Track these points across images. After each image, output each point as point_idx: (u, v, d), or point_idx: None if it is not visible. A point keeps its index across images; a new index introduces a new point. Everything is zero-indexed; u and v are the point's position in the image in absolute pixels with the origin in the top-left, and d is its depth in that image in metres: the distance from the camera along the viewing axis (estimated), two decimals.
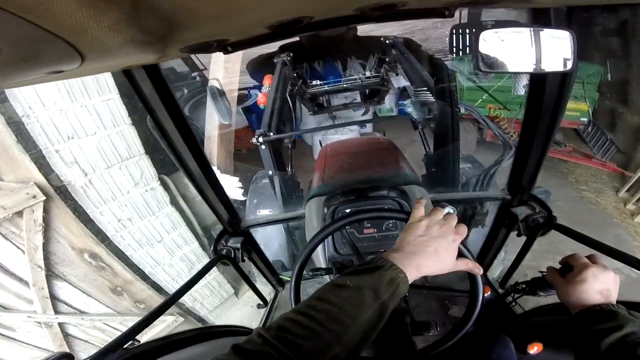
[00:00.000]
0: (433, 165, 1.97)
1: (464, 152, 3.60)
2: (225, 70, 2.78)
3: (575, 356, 0.62)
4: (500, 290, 1.30)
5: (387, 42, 2.32)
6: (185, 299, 2.78)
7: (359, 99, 3.25)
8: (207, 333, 1.04)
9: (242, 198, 2.42)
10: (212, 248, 1.25)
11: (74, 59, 0.34)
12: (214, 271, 2.84)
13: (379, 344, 0.99)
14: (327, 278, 1.15)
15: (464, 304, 0.76)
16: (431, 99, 1.72)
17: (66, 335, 2.26)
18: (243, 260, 1.29)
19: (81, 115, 1.90)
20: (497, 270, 1.86)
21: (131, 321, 0.87)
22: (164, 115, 0.85)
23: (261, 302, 1.61)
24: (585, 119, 4.55)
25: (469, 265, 0.67)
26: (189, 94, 3.86)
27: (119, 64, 0.60)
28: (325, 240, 1.17)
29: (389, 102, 3.28)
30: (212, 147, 2.83)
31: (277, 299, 1.70)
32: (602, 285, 0.65)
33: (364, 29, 2.77)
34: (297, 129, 2.75)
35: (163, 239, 2.48)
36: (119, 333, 0.82)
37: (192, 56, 4.40)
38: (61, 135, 1.86)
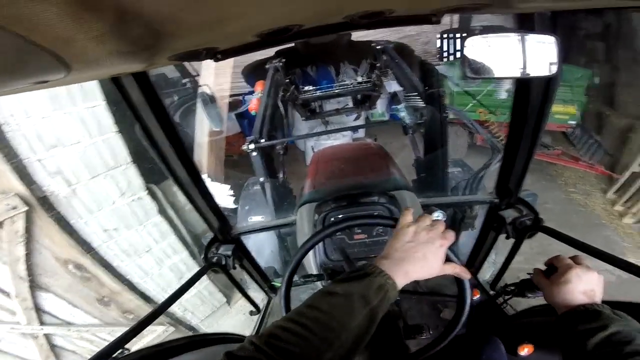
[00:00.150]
0: (423, 169, 1.99)
1: (455, 157, 3.64)
2: (216, 76, 2.77)
3: (563, 356, 0.63)
4: (491, 292, 1.31)
5: (378, 47, 2.36)
6: (175, 309, 2.73)
7: (351, 105, 3.28)
8: (199, 341, 1.02)
9: (234, 206, 2.40)
10: (202, 256, 1.23)
11: (59, 69, 0.33)
12: (205, 280, 2.79)
13: (373, 348, 0.98)
14: (318, 284, 1.15)
15: (455, 307, 0.77)
16: (421, 104, 1.75)
17: (53, 347, 2.21)
18: (234, 268, 1.27)
19: (65, 123, 1.85)
20: (488, 272, 1.88)
21: (119, 332, 0.85)
22: (152, 123, 0.84)
23: (254, 309, 1.59)
24: (573, 122, 4.62)
25: (457, 269, 0.68)
26: (179, 100, 3.83)
27: (107, 72, 0.60)
28: (317, 246, 1.16)
29: (380, 107, 3.31)
30: (203, 155, 2.81)
31: (269, 305, 1.68)
32: (586, 285, 0.66)
33: (362, 34, 2.80)
34: (289, 135, 2.76)
35: (151, 249, 2.43)
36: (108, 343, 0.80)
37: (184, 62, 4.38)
38: (44, 144, 1.80)
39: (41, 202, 1.87)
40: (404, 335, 0.96)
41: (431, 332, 0.98)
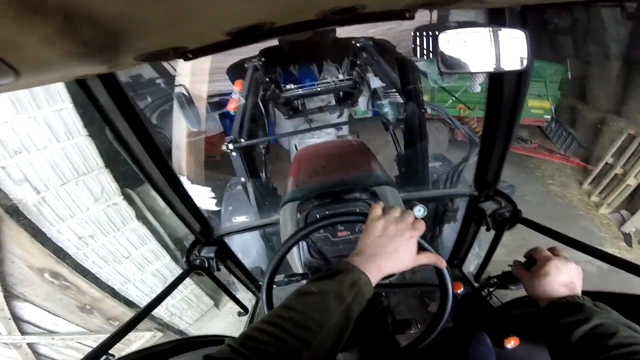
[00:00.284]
0: (404, 164, 2.02)
1: (436, 151, 3.70)
2: (192, 75, 2.71)
3: (548, 350, 0.62)
4: (475, 284, 1.34)
5: (358, 44, 2.36)
6: (162, 314, 2.67)
7: (334, 102, 3.27)
8: (187, 344, 1.00)
9: (216, 208, 2.35)
10: (184, 259, 1.20)
11: (6, 73, 0.31)
12: (191, 284, 2.74)
13: (363, 344, 0.99)
14: (304, 283, 1.14)
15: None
16: (399, 99, 1.76)
17: (38, 356, 2.16)
18: (218, 270, 1.25)
19: (29, 127, 1.76)
20: (472, 264, 1.92)
21: None
22: (123, 126, 0.80)
23: (242, 311, 1.57)
24: (548, 117, 4.80)
25: (431, 258, 0.68)
26: (156, 101, 3.72)
27: (64, 75, 0.57)
28: (300, 245, 1.16)
29: (363, 104, 3.33)
30: (181, 157, 2.73)
31: (258, 305, 1.66)
32: (565, 277, 0.66)
33: (350, 31, 2.78)
34: (271, 134, 2.73)
35: (131, 255, 2.36)
36: None
37: (162, 63, 4.26)
38: (7, 150, 1.71)
39: (9, 211, 1.78)
40: (393, 330, 0.97)
41: (419, 326, 0.99)
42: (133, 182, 2.33)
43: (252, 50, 2.53)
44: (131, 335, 2.48)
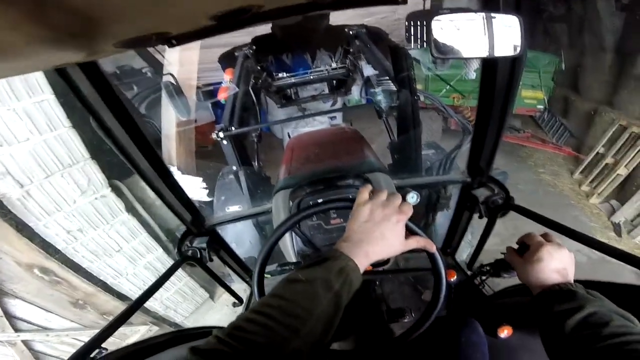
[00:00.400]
0: (397, 152, 2.01)
1: (429, 139, 3.70)
2: (180, 64, 2.63)
3: (542, 338, 0.62)
4: (468, 272, 1.34)
5: (351, 32, 2.32)
6: (157, 307, 2.66)
7: (327, 91, 3.23)
8: (183, 336, 1.00)
9: (208, 199, 2.33)
10: (176, 250, 1.19)
11: None
12: (184, 276, 2.73)
13: (358, 333, 0.99)
14: None
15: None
16: (392, 87, 1.75)
17: (35, 353, 2.15)
18: (211, 260, 1.23)
19: (9, 120, 1.70)
20: (465, 252, 1.94)
21: None
22: (108, 115, 0.77)
23: (236, 301, 1.57)
24: (541, 107, 4.85)
25: (421, 242, 0.67)
26: (145, 91, 3.63)
27: (39, 64, 0.54)
28: (293, 234, 1.14)
29: (356, 92, 3.30)
30: (171, 147, 2.68)
31: (252, 295, 1.67)
32: (558, 263, 0.66)
33: (340, 19, 2.71)
34: (263, 122, 2.69)
35: (122, 248, 2.33)
36: None
37: (152, 51, 4.14)
38: None
39: None
40: (387, 319, 0.97)
41: (413, 315, 1.00)
42: (121, 173, 2.28)
43: (246, 38, 2.48)
44: (127, 329, 2.48)
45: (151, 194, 1.06)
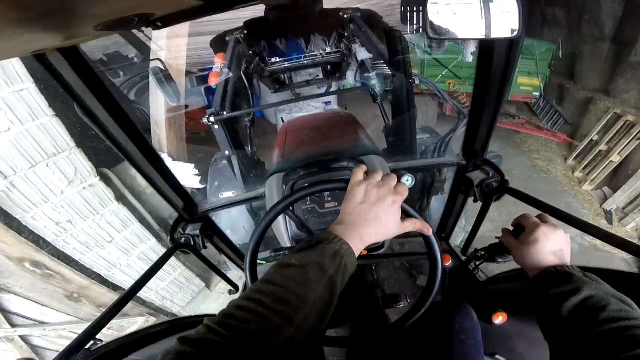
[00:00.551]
0: (392, 135, 1.99)
1: (424, 124, 3.68)
2: (169, 49, 2.55)
3: (539, 323, 0.61)
4: (463, 258, 1.33)
5: (345, 16, 2.27)
6: (153, 298, 2.66)
7: (321, 76, 3.18)
8: (179, 325, 0.99)
9: (200, 186, 2.29)
10: (169, 237, 1.17)
11: None
12: (179, 266, 2.72)
13: (354, 319, 1.00)
14: None
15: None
16: (387, 71, 1.72)
17: (33, 347, 2.14)
18: (205, 247, 1.22)
19: None
20: (459, 237, 1.96)
21: None
22: (92, 101, 0.74)
23: (232, 289, 1.56)
24: (537, 94, 4.86)
25: (417, 225, 0.65)
26: (134, 77, 3.53)
27: (13, 49, 0.50)
28: (287, 218, 1.13)
29: (351, 77, 3.26)
30: (161, 133, 2.61)
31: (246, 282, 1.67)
32: (554, 245, 0.65)
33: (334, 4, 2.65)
34: (256, 107, 2.64)
35: (114, 239, 2.29)
36: None
37: (142, 37, 4.00)
38: None
39: None
40: (383, 305, 0.97)
41: (409, 300, 1.00)
42: (109, 161, 2.22)
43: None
44: (124, 321, 2.47)
45: (142, 181, 1.04)
